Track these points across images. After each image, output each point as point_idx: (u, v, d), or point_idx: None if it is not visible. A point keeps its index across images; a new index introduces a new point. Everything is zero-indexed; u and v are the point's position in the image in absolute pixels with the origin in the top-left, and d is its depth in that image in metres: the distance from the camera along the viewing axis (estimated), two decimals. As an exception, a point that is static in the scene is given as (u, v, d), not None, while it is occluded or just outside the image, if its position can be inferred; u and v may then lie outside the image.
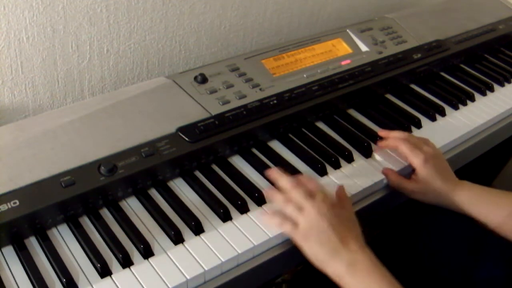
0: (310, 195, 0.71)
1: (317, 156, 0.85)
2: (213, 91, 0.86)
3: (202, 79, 0.87)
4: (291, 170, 0.82)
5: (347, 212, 0.73)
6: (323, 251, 0.67)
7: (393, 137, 0.86)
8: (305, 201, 0.70)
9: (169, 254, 0.67)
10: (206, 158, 0.80)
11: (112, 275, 0.64)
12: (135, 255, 0.66)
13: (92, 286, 0.62)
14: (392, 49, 1.07)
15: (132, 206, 0.73)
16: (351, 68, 0.99)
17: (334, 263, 0.66)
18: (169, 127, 0.78)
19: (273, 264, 0.72)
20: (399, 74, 1.04)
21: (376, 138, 0.90)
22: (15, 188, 0.65)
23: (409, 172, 0.87)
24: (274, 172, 0.75)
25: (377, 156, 0.88)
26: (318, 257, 0.67)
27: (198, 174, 0.80)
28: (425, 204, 0.85)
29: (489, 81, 1.13)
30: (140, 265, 0.65)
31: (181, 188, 0.77)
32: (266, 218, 0.72)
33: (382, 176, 0.83)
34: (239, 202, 0.74)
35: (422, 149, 0.83)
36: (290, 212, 0.70)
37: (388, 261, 0.69)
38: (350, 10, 1.34)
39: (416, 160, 0.82)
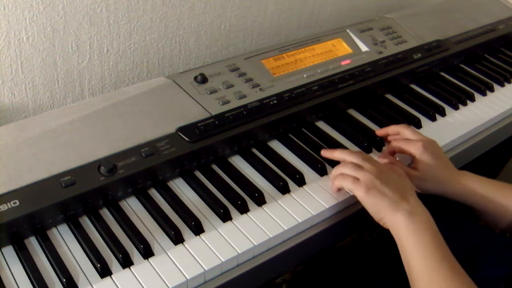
0: (367, 159, 0.76)
1: (317, 156, 0.85)
2: (213, 91, 0.86)
3: (202, 79, 0.87)
4: (291, 170, 0.82)
5: (405, 179, 0.77)
6: (385, 202, 0.70)
7: (391, 138, 0.88)
8: (363, 162, 0.75)
9: (169, 254, 0.67)
10: (206, 158, 0.80)
11: (112, 275, 0.64)
12: (135, 255, 0.66)
13: (92, 286, 0.62)
14: (392, 49, 1.07)
15: (132, 206, 0.73)
16: (351, 68, 0.99)
17: (394, 213, 0.69)
18: (169, 127, 0.78)
19: (273, 264, 0.72)
20: (399, 74, 1.04)
21: (376, 138, 0.90)
22: (15, 188, 0.65)
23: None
24: (325, 151, 0.83)
25: (377, 156, 0.88)
26: (379, 208, 0.70)
27: (198, 174, 0.80)
28: (425, 204, 0.85)
29: (489, 81, 1.13)
30: (140, 265, 0.65)
31: (181, 188, 0.77)
32: (331, 183, 0.77)
33: (382, 176, 0.83)
34: (239, 202, 0.74)
35: (418, 137, 0.85)
36: (349, 170, 0.74)
37: (389, 261, 0.69)
38: (350, 10, 1.34)
39: (414, 148, 0.82)
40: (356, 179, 0.73)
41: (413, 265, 0.66)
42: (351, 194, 0.79)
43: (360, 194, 0.72)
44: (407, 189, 0.73)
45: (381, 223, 0.71)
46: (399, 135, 0.88)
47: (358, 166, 0.75)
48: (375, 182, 0.72)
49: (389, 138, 0.89)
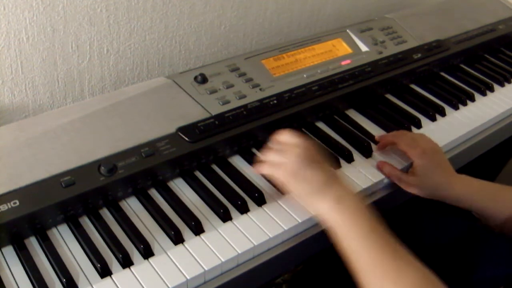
0: (291, 145, 0.72)
1: (317, 156, 0.85)
2: (213, 91, 0.86)
3: (202, 79, 0.87)
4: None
5: (328, 166, 0.74)
6: (310, 186, 0.68)
7: (391, 135, 0.87)
8: (288, 146, 0.72)
9: (169, 254, 0.67)
10: (206, 158, 0.80)
11: (112, 275, 0.64)
12: (135, 255, 0.66)
13: (92, 286, 0.62)
14: (392, 49, 1.07)
15: (132, 206, 0.73)
16: (351, 68, 0.99)
17: (322, 198, 0.67)
18: (169, 127, 0.78)
19: (273, 264, 0.72)
20: (399, 74, 1.04)
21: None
22: (15, 188, 0.65)
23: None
24: (258, 167, 0.76)
25: (377, 156, 0.88)
26: (305, 193, 0.68)
27: (198, 174, 0.80)
28: (425, 204, 0.85)
29: (489, 81, 1.13)
30: (140, 265, 0.65)
31: (181, 188, 0.77)
32: (253, 169, 0.74)
33: (382, 176, 0.83)
34: (239, 202, 0.74)
35: (419, 142, 0.84)
36: (273, 157, 0.72)
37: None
38: (350, 10, 1.34)
39: (413, 152, 0.82)
40: (280, 165, 0.70)
41: (353, 251, 0.64)
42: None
43: (285, 180, 0.70)
44: (333, 172, 0.71)
45: (312, 211, 0.70)
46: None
47: (281, 151, 0.72)
48: (299, 166, 0.69)
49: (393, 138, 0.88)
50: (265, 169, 0.72)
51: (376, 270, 0.62)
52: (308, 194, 0.69)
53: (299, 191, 0.70)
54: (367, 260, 0.63)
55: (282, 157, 0.71)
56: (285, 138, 0.74)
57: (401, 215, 0.97)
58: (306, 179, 0.68)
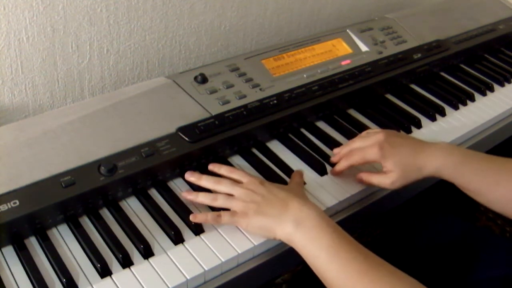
0: (236, 183, 0.72)
1: (317, 156, 0.85)
2: (213, 91, 0.86)
3: (202, 79, 0.87)
4: (291, 171, 0.81)
5: (289, 186, 0.74)
6: (267, 220, 0.67)
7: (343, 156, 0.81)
8: (233, 189, 0.71)
9: (169, 254, 0.67)
10: (206, 158, 0.80)
11: (112, 275, 0.64)
12: (135, 255, 0.66)
13: (92, 286, 0.62)
14: (392, 49, 1.07)
15: (132, 206, 0.73)
16: (351, 68, 0.99)
17: (281, 226, 0.66)
18: (169, 127, 0.78)
19: (273, 264, 0.72)
20: (399, 74, 1.04)
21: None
22: (15, 188, 0.65)
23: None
24: (190, 176, 0.75)
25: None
26: (267, 229, 0.67)
27: (198, 174, 0.80)
28: (424, 204, 0.85)
29: (489, 81, 1.13)
30: (140, 265, 0.65)
31: (181, 188, 0.77)
32: (198, 217, 0.69)
33: (382, 176, 0.83)
34: (239, 202, 0.74)
35: (368, 141, 0.78)
36: (221, 204, 0.70)
37: (388, 260, 0.69)
38: (350, 10, 1.34)
39: (371, 154, 0.76)
40: (234, 212, 0.69)
41: (323, 271, 0.62)
42: (351, 194, 0.79)
43: (244, 225, 0.68)
44: (285, 195, 0.69)
45: (276, 240, 0.68)
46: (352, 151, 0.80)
47: (229, 195, 0.70)
48: (251, 207, 0.68)
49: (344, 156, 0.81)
50: (225, 219, 0.69)
51: (347, 283, 0.60)
52: (270, 227, 0.67)
53: (262, 228, 0.68)
54: (335, 275, 0.61)
55: (232, 202, 0.69)
56: (226, 183, 0.72)
57: (400, 215, 0.97)
58: (263, 214, 0.67)
